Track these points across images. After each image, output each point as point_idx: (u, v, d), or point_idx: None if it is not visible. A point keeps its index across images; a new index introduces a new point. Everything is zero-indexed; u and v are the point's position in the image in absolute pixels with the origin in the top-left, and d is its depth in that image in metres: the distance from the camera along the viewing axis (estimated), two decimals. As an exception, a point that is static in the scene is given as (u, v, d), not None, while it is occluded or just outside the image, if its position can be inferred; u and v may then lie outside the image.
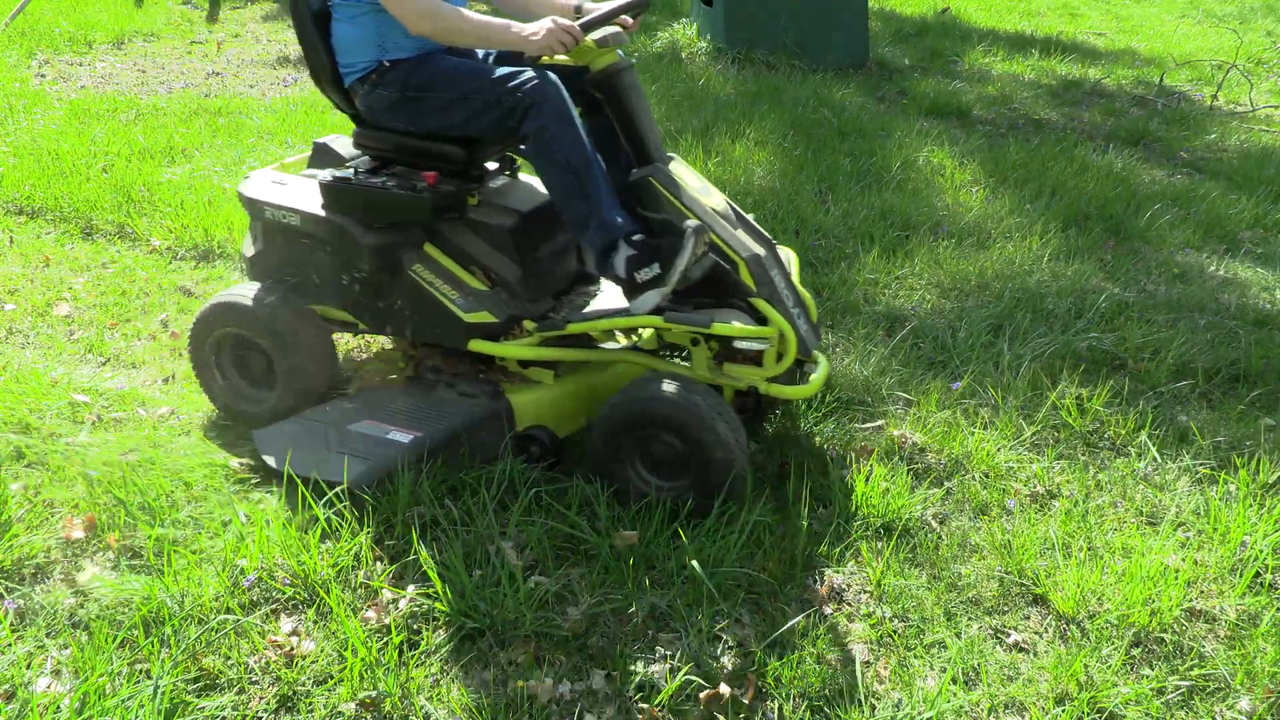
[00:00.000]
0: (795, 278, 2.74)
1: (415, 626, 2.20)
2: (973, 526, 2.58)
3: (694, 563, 2.30)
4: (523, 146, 2.62)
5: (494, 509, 2.48)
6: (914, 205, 4.56)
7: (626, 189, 2.62)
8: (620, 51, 2.58)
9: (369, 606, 2.24)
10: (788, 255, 2.86)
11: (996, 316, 3.60)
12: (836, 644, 2.18)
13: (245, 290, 2.84)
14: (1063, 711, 2.02)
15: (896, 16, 9.10)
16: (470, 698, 2.04)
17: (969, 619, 2.28)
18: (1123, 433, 2.96)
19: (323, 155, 3.03)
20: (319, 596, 2.25)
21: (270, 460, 2.59)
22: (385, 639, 2.15)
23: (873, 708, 2.03)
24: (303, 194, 2.82)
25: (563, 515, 2.48)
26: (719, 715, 2.02)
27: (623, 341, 2.90)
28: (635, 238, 2.53)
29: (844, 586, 2.37)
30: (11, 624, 2.18)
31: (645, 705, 2.03)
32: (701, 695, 2.04)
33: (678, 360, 2.81)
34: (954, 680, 2.09)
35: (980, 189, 4.86)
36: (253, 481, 2.64)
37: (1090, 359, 3.37)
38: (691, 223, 2.46)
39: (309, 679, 2.07)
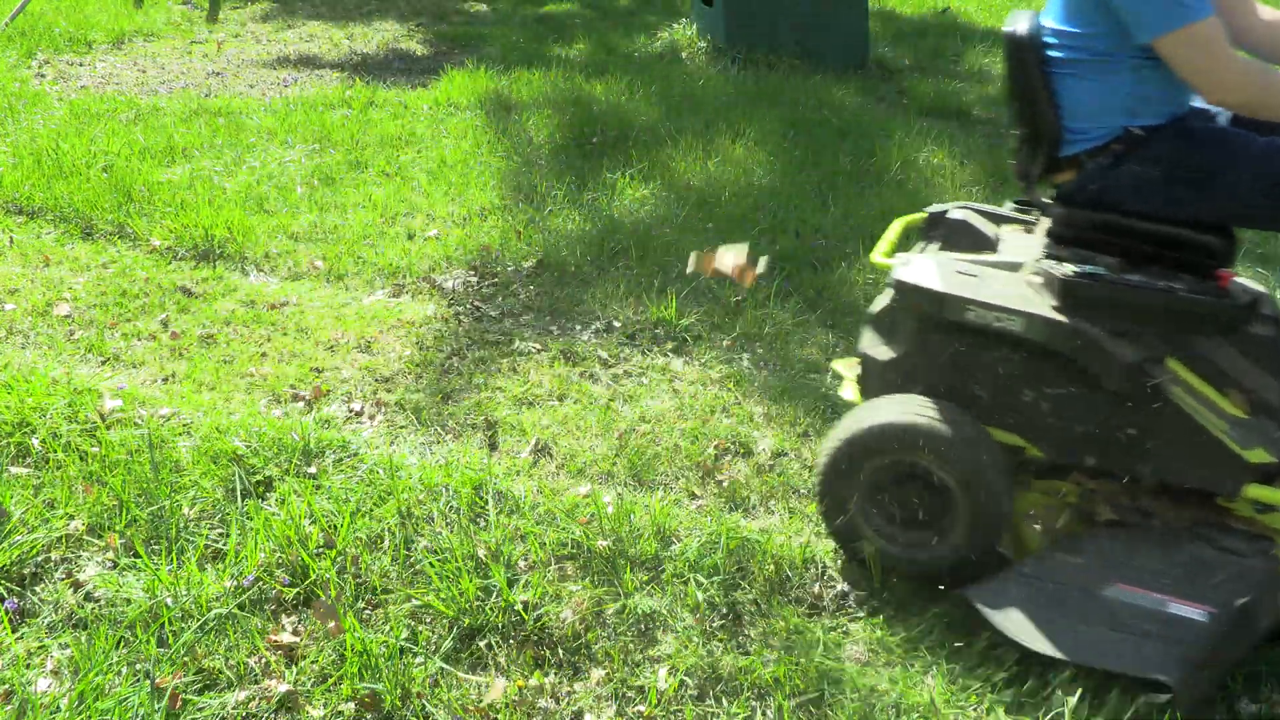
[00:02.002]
0: None
1: (415, 626, 2.21)
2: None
3: (693, 562, 2.31)
4: None
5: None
6: (914, 205, 4.55)
7: None
8: None
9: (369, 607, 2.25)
10: None
11: (996, 316, 3.60)
12: (836, 644, 2.19)
13: (914, 409, 2.25)
14: (1064, 712, 2.02)
15: (896, 16, 9.10)
16: (470, 698, 2.04)
17: (970, 619, 2.28)
18: (1123, 433, 2.96)
19: (952, 231, 2.48)
20: (318, 595, 2.25)
21: (1017, 633, 2.07)
22: (385, 639, 2.15)
23: (873, 707, 2.03)
24: (1014, 291, 2.24)
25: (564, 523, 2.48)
26: (718, 715, 2.02)
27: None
28: None
29: (844, 587, 2.37)
30: (11, 623, 2.18)
31: (645, 705, 2.03)
32: (701, 695, 2.04)
33: None
34: (954, 680, 2.09)
35: (980, 189, 4.85)
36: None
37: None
38: None
39: (309, 679, 2.07)
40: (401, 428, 2.99)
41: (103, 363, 3.31)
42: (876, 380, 2.40)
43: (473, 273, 3.98)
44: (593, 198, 4.59)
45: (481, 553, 2.37)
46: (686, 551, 2.39)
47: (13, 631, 2.16)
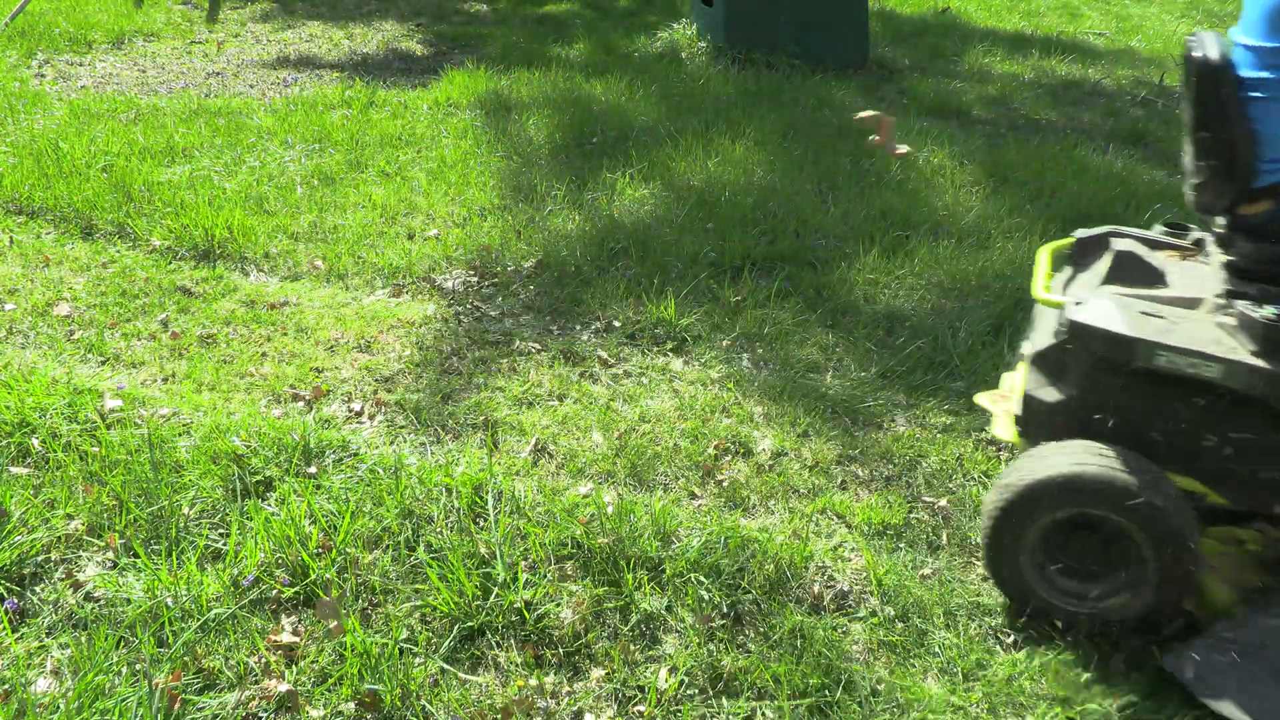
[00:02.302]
0: None
1: (415, 626, 2.21)
2: (972, 526, 2.58)
3: (693, 562, 2.31)
4: None
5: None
6: (914, 205, 4.55)
7: None
8: None
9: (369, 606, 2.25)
10: None
11: (996, 316, 3.59)
12: (836, 644, 2.18)
13: (1093, 456, 2.13)
14: (1065, 713, 2.02)
15: (896, 16, 9.10)
16: (470, 698, 2.04)
17: (969, 619, 2.28)
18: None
19: (1117, 262, 2.34)
20: (319, 595, 2.25)
21: (1224, 707, 1.96)
22: (385, 639, 2.15)
23: (873, 707, 2.03)
24: (1206, 334, 2.11)
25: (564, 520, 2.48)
26: (718, 715, 2.02)
27: None
28: None
29: (844, 587, 2.37)
30: (11, 623, 2.18)
31: (645, 705, 2.03)
32: (701, 695, 2.04)
33: None
34: (954, 680, 2.09)
35: (980, 189, 4.85)
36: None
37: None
38: None
39: (309, 679, 2.07)
40: (401, 428, 2.99)
41: (103, 363, 3.31)
42: (1042, 423, 2.28)
43: (473, 273, 3.98)
44: (593, 198, 4.59)
45: (482, 552, 2.38)
46: (687, 551, 2.39)
47: (13, 631, 2.16)
